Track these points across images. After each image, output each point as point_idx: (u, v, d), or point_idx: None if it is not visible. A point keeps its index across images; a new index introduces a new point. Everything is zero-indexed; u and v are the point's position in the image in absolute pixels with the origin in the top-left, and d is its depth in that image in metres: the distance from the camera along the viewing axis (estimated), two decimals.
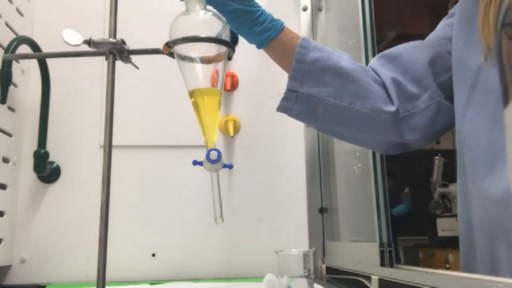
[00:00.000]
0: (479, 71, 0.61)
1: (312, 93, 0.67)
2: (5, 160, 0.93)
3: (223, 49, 0.68)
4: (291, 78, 0.68)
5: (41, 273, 0.98)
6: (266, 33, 0.69)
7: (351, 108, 0.67)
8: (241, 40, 1.14)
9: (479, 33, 0.58)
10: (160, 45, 0.68)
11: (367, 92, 0.68)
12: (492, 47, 0.56)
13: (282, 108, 0.70)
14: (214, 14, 0.69)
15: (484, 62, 0.59)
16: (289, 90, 0.68)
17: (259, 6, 0.68)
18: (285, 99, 0.69)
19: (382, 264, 0.79)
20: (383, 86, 0.70)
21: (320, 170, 1.19)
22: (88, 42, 0.65)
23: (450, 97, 0.70)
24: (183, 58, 0.68)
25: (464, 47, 0.66)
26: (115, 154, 0.65)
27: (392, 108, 0.68)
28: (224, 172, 1.05)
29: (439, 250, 2.90)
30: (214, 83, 0.68)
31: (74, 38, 0.66)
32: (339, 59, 0.68)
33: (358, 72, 0.68)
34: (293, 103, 0.68)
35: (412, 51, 0.74)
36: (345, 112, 0.67)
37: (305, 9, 1.25)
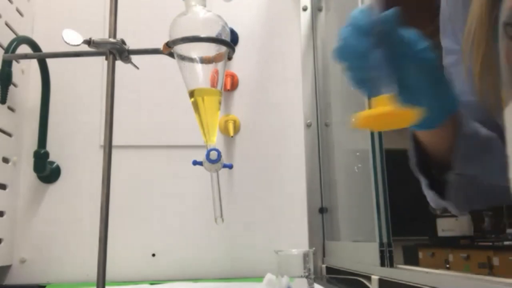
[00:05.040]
0: None
1: (477, 173, 0.55)
2: (5, 160, 0.93)
3: (223, 49, 0.68)
4: (462, 159, 0.53)
5: (41, 273, 0.98)
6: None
7: (498, 183, 0.59)
8: (241, 40, 1.15)
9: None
10: (160, 45, 0.68)
11: (505, 163, 0.60)
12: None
13: (455, 198, 0.56)
14: (214, 14, 0.69)
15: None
16: (459, 175, 0.54)
17: None
18: (458, 186, 0.54)
19: (382, 264, 0.79)
20: None
21: (320, 170, 1.19)
22: (88, 42, 0.66)
23: None
24: (183, 58, 0.68)
25: None
26: (115, 154, 0.65)
27: None
28: (224, 172, 1.05)
29: (439, 250, 2.90)
30: (214, 83, 0.68)
31: (74, 38, 0.66)
32: (478, 127, 0.57)
33: (495, 141, 0.57)
34: (463, 188, 0.55)
35: None
36: (493, 188, 0.56)
37: (305, 9, 1.25)
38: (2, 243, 0.92)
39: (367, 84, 0.45)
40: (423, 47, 0.44)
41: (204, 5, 0.69)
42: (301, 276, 0.68)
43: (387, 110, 0.40)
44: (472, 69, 0.50)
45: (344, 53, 0.44)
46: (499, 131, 0.55)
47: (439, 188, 0.55)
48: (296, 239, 1.06)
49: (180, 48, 0.67)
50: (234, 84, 1.10)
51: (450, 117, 0.50)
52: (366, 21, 0.42)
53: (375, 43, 0.42)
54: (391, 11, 0.42)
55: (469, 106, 0.59)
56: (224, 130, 1.07)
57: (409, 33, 0.44)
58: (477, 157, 0.54)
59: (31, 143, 0.99)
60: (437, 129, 0.50)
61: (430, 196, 0.58)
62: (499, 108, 0.54)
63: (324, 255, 1.13)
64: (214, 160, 0.67)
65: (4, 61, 0.83)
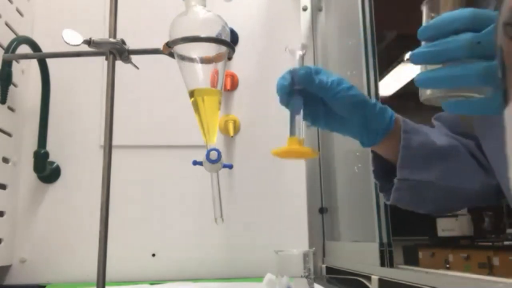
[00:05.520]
0: None
1: (423, 178, 0.62)
2: (5, 160, 0.93)
3: (223, 49, 0.68)
4: (401, 167, 0.61)
5: (41, 273, 0.98)
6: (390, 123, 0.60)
7: (461, 187, 0.64)
8: (241, 40, 1.15)
9: None
10: (160, 45, 0.68)
11: (472, 169, 0.64)
12: None
13: (396, 200, 0.64)
14: (214, 14, 0.69)
15: None
16: (400, 180, 0.62)
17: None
18: (398, 189, 0.62)
19: (382, 264, 0.79)
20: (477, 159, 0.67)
21: (320, 170, 1.19)
22: (88, 42, 0.66)
23: None
24: (183, 58, 0.68)
25: None
26: (115, 154, 0.65)
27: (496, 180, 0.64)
28: (224, 172, 1.04)
29: (439, 250, 2.90)
30: (214, 83, 0.68)
31: (74, 38, 0.66)
32: (434, 137, 0.65)
33: (456, 150, 0.65)
34: (405, 192, 0.63)
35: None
36: (455, 192, 0.64)
37: (305, 9, 1.25)
38: (2, 243, 0.92)
39: (308, 119, 0.60)
40: (341, 87, 0.55)
41: (204, 5, 0.69)
42: (301, 276, 0.68)
43: (292, 148, 0.57)
44: None
45: (280, 100, 0.58)
46: (477, 140, 0.64)
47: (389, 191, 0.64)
48: (296, 239, 1.06)
49: (180, 48, 0.67)
50: (234, 84, 1.10)
51: (390, 134, 0.59)
52: (288, 81, 0.56)
53: (298, 93, 0.56)
54: (303, 71, 0.55)
55: (449, 120, 0.69)
56: (224, 130, 1.07)
57: (331, 79, 0.56)
58: (433, 164, 0.62)
59: (31, 143, 0.99)
60: (380, 144, 0.60)
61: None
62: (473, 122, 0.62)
63: (324, 255, 1.13)
64: (214, 160, 0.67)
65: (4, 61, 0.83)
